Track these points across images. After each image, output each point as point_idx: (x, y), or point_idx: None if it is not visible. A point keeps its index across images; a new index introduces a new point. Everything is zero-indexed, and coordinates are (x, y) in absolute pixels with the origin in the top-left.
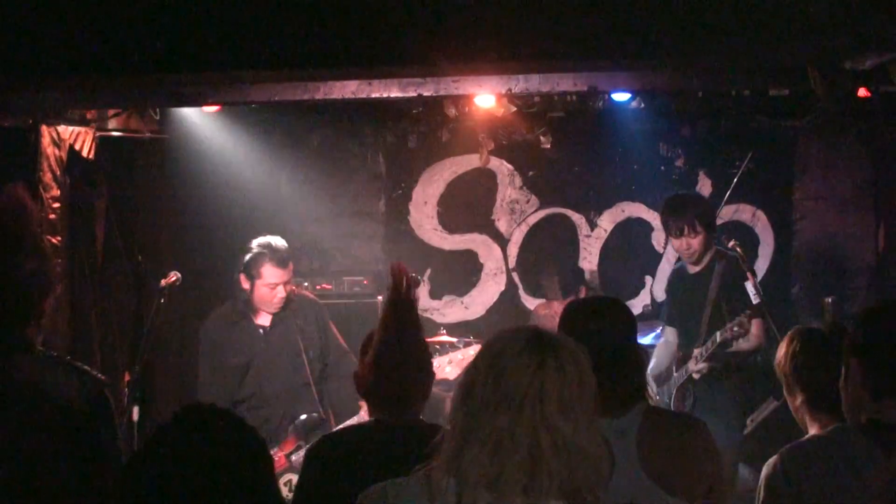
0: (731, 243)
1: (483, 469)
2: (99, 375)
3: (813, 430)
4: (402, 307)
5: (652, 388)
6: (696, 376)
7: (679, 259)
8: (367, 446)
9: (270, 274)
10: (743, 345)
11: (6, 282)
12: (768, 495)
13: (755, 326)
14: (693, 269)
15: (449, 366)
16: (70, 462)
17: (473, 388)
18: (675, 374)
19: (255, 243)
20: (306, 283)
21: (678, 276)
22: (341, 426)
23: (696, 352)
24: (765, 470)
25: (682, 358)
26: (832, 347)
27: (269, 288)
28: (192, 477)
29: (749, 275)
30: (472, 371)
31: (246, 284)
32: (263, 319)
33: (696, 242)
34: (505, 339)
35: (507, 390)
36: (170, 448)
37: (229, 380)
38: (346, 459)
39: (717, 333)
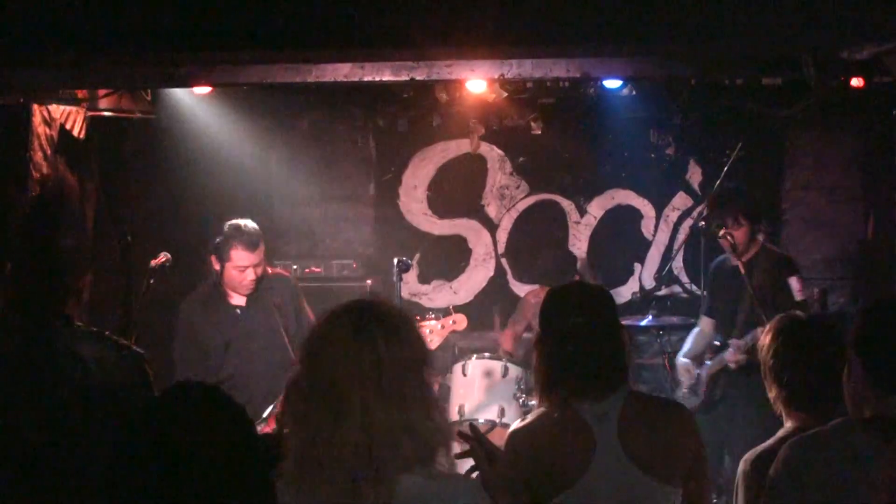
0: (722, 231)
1: (325, 470)
2: (138, 349)
3: (789, 425)
4: None
5: (690, 371)
6: (732, 366)
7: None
8: None
9: (239, 257)
10: None
11: (44, 258)
12: (772, 489)
13: None
14: (736, 262)
15: (430, 335)
16: (106, 432)
17: (299, 386)
18: (707, 363)
19: (226, 226)
20: (295, 266)
21: (720, 268)
22: None
23: (734, 343)
24: (772, 467)
25: (719, 347)
26: (814, 342)
27: (239, 271)
28: (180, 453)
29: (793, 274)
30: (298, 367)
31: (216, 266)
32: (238, 299)
33: (739, 235)
34: (325, 328)
35: (329, 387)
36: (158, 425)
37: (208, 360)
38: None
39: (759, 330)
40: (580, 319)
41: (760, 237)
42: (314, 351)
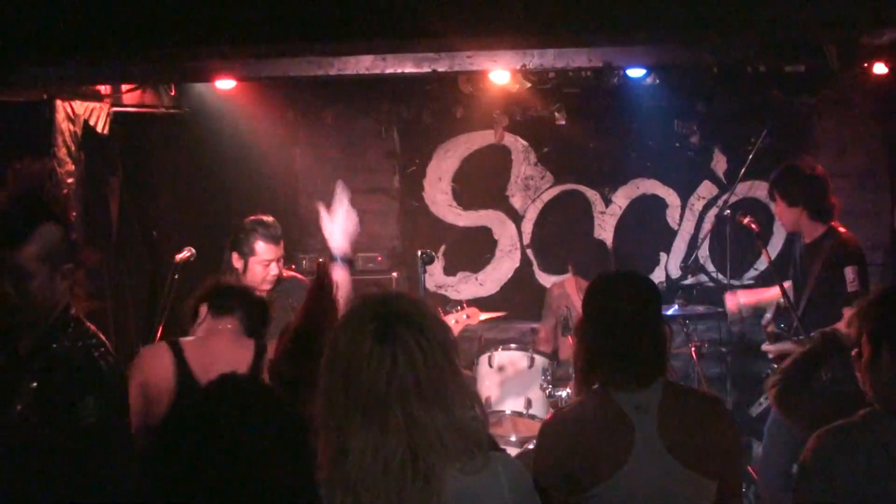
0: (746, 220)
1: (370, 481)
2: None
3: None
4: (323, 297)
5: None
6: (770, 355)
7: None
8: None
9: (264, 250)
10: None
11: None
12: (802, 479)
13: (844, 314)
14: (805, 239)
15: None
16: None
17: (333, 397)
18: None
19: (246, 222)
20: (321, 259)
21: (795, 239)
22: None
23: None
24: (801, 456)
25: (784, 309)
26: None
27: (263, 265)
28: (225, 444)
29: (850, 263)
30: (328, 377)
31: (238, 263)
32: None
33: (779, 212)
34: (350, 336)
35: (368, 398)
36: (206, 416)
37: None
38: None
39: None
40: (626, 304)
41: (819, 219)
42: (342, 362)
